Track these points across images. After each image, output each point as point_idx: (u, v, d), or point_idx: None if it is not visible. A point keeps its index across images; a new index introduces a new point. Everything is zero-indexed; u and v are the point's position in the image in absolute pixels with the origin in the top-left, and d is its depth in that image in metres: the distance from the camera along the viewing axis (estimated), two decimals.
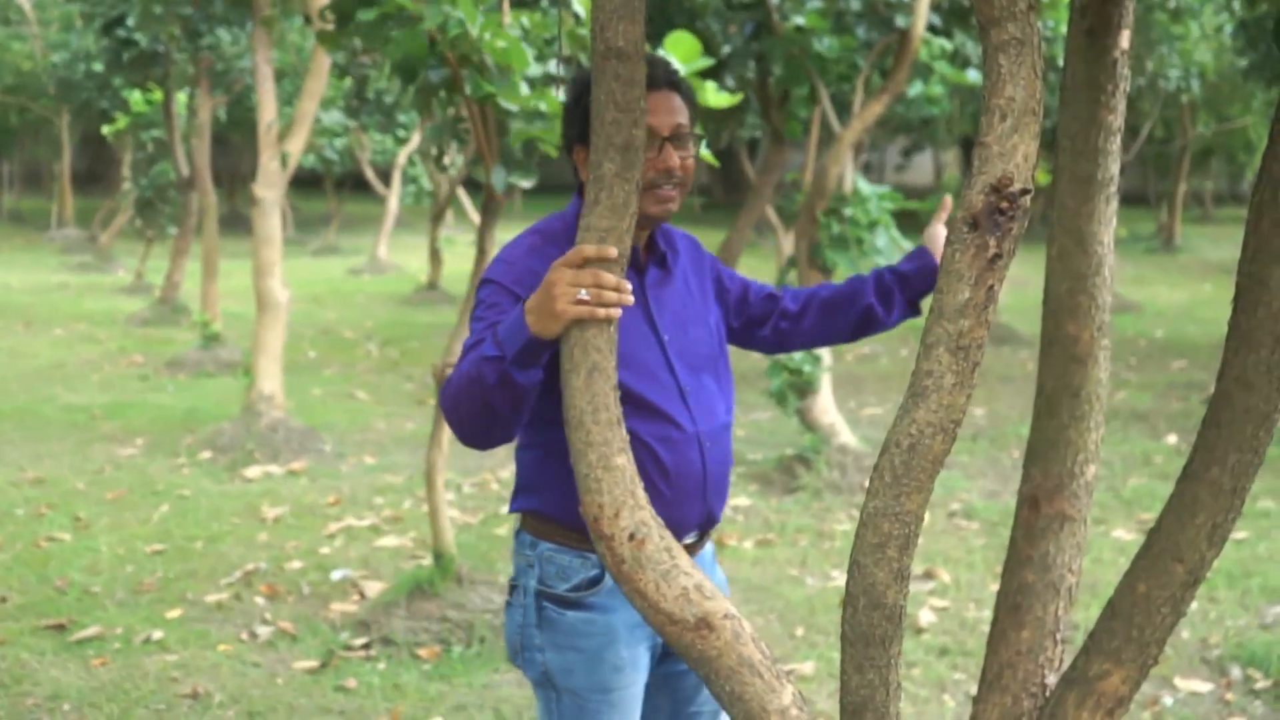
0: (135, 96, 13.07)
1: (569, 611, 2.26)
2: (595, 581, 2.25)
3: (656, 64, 2.23)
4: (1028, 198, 1.63)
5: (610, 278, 1.84)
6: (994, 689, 2.00)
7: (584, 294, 1.83)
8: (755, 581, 5.18)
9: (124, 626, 4.60)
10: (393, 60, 3.92)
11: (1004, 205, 1.61)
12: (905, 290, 2.48)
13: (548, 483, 2.25)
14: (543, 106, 4.02)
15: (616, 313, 1.84)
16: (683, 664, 2.27)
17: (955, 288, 1.64)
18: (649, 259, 2.33)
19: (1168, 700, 4.11)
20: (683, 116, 2.25)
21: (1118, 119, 1.99)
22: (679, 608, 1.79)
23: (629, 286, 1.85)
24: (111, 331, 11.84)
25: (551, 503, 2.25)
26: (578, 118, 2.20)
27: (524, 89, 4.01)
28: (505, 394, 1.98)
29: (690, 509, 2.28)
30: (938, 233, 2.48)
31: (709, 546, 2.45)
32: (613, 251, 1.84)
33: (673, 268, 2.38)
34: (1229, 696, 4.15)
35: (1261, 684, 4.22)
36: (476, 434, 2.07)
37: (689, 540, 2.32)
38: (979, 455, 7.39)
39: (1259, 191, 1.78)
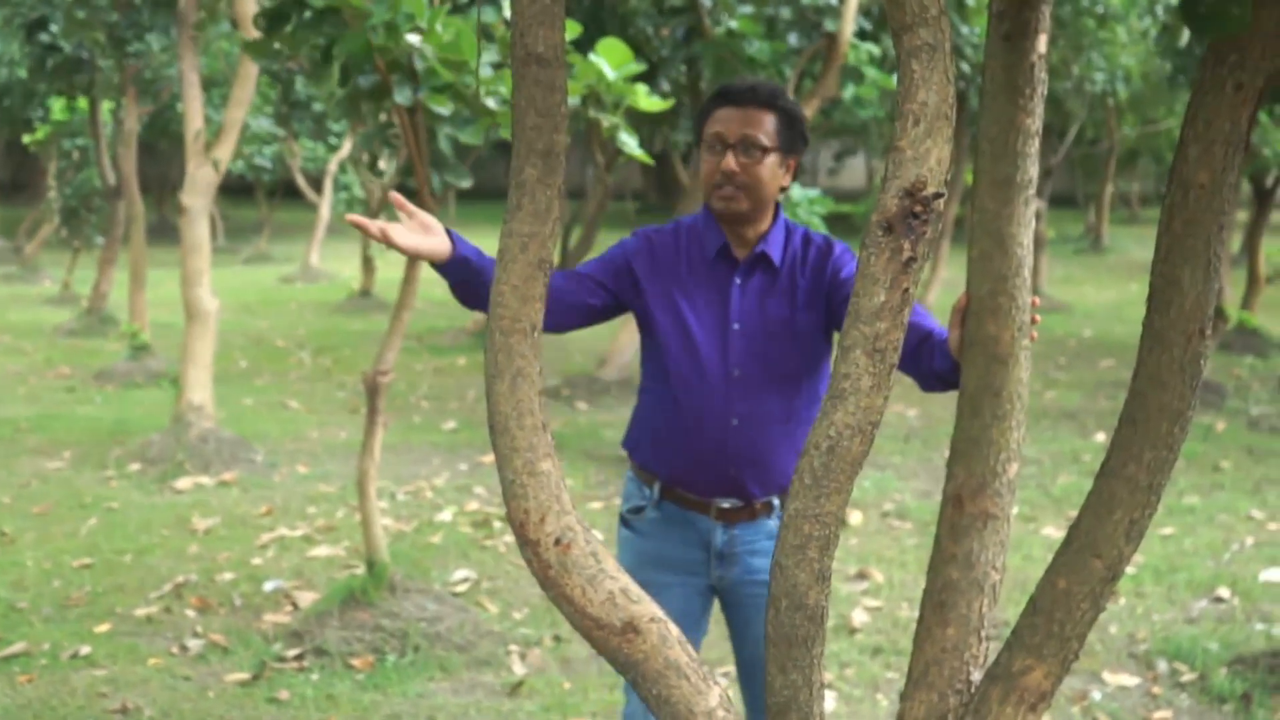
0: (57, 105, 12.85)
1: (623, 529, 2.80)
2: (638, 510, 2.75)
3: (751, 86, 2.55)
4: (941, 201, 1.65)
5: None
6: (920, 686, 2.02)
7: None
8: None
9: (51, 642, 4.52)
10: (337, 61, 3.88)
11: (918, 209, 1.62)
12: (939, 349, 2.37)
13: (632, 423, 2.79)
14: (503, 89, 4.01)
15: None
16: (733, 612, 2.80)
17: (871, 291, 1.66)
18: (749, 258, 2.61)
19: (1096, 694, 4.17)
20: (757, 129, 2.51)
21: (1036, 122, 2.02)
22: (605, 612, 1.79)
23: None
24: (38, 343, 11.63)
25: (630, 439, 2.79)
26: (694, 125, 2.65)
27: (486, 72, 4.01)
28: None
29: (709, 474, 2.63)
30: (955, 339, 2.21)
31: (773, 523, 2.68)
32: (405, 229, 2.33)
33: (780, 271, 2.61)
34: (1156, 690, 4.22)
35: (1187, 677, 4.29)
36: None
37: (728, 505, 2.66)
38: (911, 456, 7.46)
39: (1170, 193, 1.81)
